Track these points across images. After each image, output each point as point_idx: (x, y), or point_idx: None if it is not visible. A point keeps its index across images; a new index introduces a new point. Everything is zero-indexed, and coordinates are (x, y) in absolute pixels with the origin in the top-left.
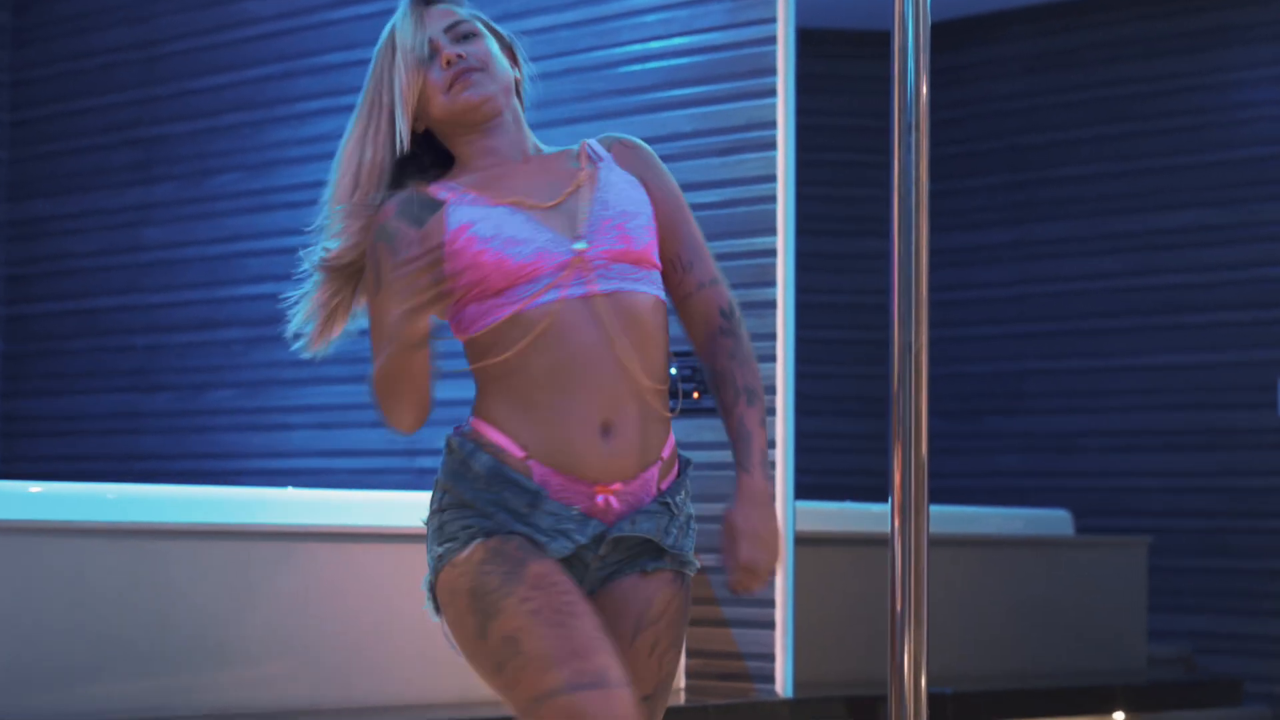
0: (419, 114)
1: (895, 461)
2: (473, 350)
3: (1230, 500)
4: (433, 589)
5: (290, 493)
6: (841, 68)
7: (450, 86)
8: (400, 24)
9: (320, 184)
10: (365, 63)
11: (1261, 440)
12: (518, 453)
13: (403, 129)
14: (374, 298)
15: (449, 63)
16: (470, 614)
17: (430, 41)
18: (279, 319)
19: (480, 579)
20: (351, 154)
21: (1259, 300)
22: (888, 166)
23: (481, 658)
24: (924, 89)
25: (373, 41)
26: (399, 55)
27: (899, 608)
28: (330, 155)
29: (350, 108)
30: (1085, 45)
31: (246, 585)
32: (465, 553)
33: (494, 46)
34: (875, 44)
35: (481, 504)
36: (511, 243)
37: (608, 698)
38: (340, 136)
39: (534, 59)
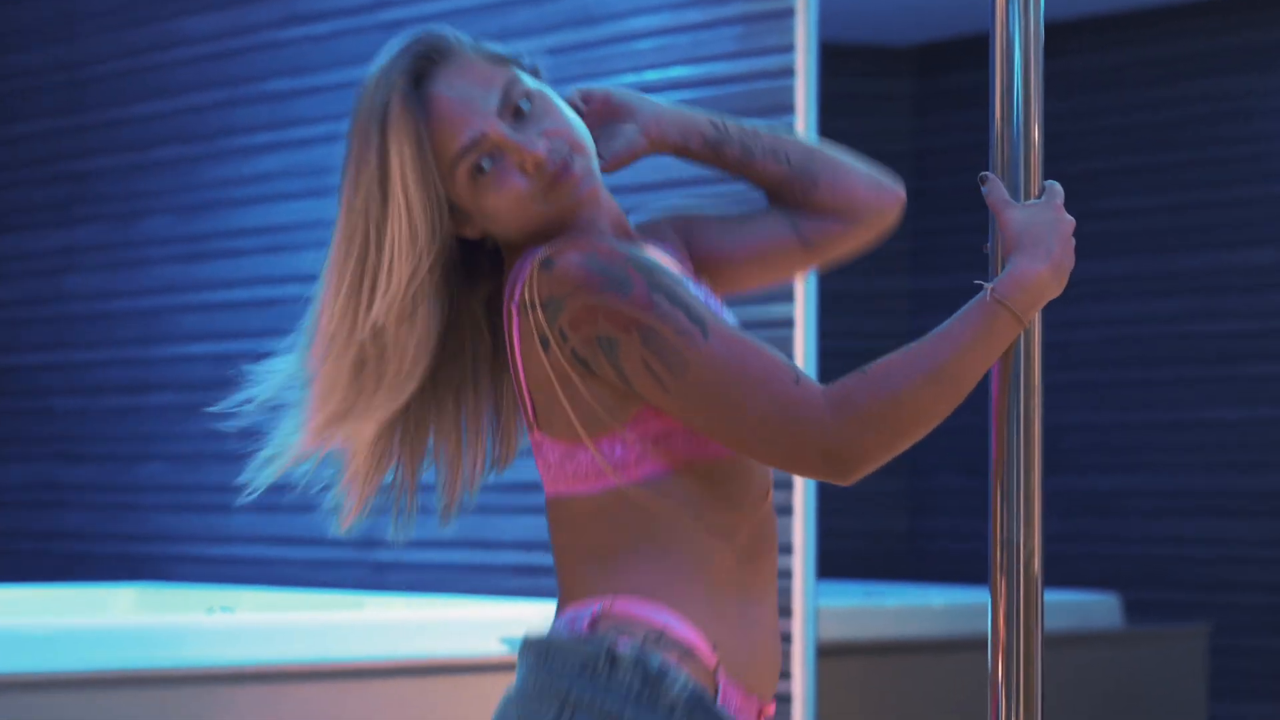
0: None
1: (999, 592)
2: (649, 493)
3: None
4: None
5: (215, 618)
6: (861, 86)
7: (549, 189)
8: (398, 124)
9: (269, 229)
10: (317, 91)
11: None
12: (709, 658)
13: (385, 305)
14: (709, 343)
15: (537, 166)
16: None
17: (483, 139)
18: (219, 383)
19: None
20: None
21: None
22: (914, 195)
23: None
24: (1035, 132)
25: (327, 65)
26: (408, 176)
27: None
28: (278, 196)
29: (301, 143)
30: (1134, 62)
31: None
32: None
33: (551, 93)
34: (896, 60)
35: None
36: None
37: None
38: (287, 175)
39: None
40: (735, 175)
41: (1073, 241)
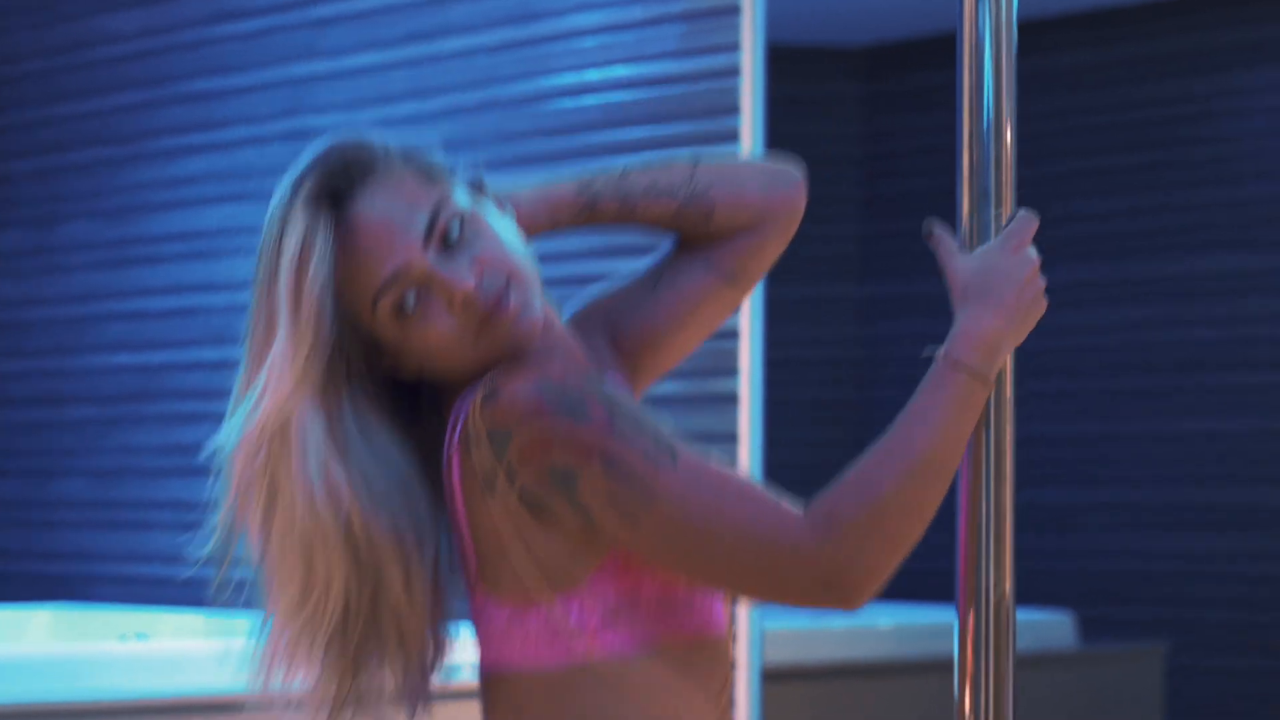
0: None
1: (967, 617)
2: (611, 670)
3: (1258, 589)
4: None
5: (130, 646)
6: (805, 88)
7: (482, 327)
8: (302, 250)
9: (194, 234)
10: (243, 92)
11: None
12: None
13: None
14: (677, 468)
15: (467, 304)
16: None
17: (405, 271)
18: (142, 395)
19: None
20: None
21: None
22: (862, 201)
23: None
24: (1008, 130)
25: (254, 64)
26: (305, 304)
27: None
28: (203, 200)
29: (227, 145)
30: (1093, 65)
31: None
32: None
33: (489, 216)
34: (844, 60)
35: None
36: None
37: None
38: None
39: (447, 89)
40: (624, 227)
41: (1036, 283)
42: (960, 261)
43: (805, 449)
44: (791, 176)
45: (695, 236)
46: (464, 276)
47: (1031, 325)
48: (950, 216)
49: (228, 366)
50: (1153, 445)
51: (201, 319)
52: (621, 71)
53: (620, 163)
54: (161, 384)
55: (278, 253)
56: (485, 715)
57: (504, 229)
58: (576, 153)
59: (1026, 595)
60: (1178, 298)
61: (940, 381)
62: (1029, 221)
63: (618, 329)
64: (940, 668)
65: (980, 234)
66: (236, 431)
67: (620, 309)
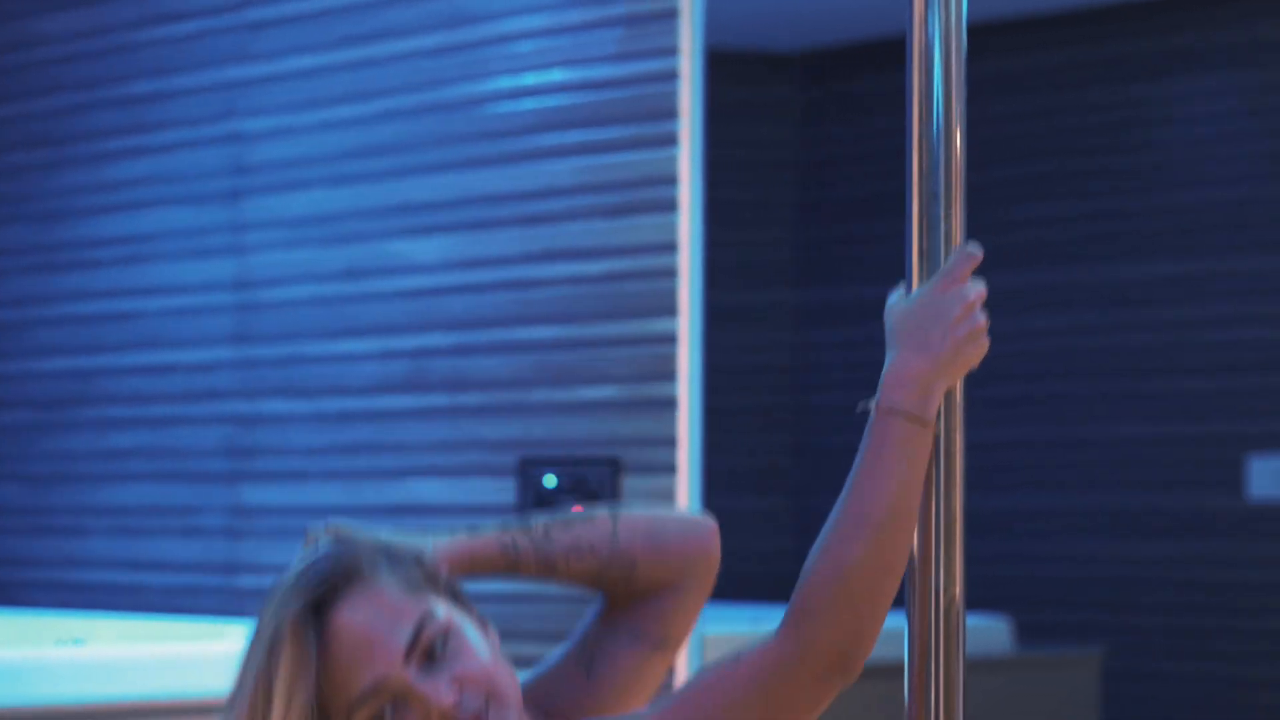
0: None
1: (916, 620)
2: None
3: (1193, 594)
4: None
5: (66, 652)
6: (744, 94)
7: None
8: (288, 660)
9: (128, 238)
10: (178, 95)
11: (1228, 527)
12: None
13: None
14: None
15: (445, 718)
16: None
17: (383, 684)
18: (75, 401)
19: None
20: None
21: (1227, 366)
22: (799, 205)
23: None
24: (957, 140)
25: (189, 67)
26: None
27: None
28: (137, 204)
29: (162, 148)
30: (1034, 71)
31: None
32: None
33: (468, 629)
34: (781, 66)
35: None
36: None
37: None
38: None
39: (384, 93)
40: (546, 582)
41: (971, 320)
42: (894, 303)
43: (743, 454)
44: (706, 526)
45: (618, 595)
46: (443, 694)
47: (966, 362)
48: (887, 222)
49: (162, 370)
50: (1091, 451)
51: (136, 323)
52: (559, 75)
53: (541, 519)
54: (96, 389)
55: (269, 670)
56: None
57: (485, 645)
58: (515, 156)
59: (966, 600)
60: (1118, 303)
61: (880, 433)
62: (967, 258)
63: (556, 716)
64: (890, 672)
65: (929, 237)
66: None
67: (557, 694)
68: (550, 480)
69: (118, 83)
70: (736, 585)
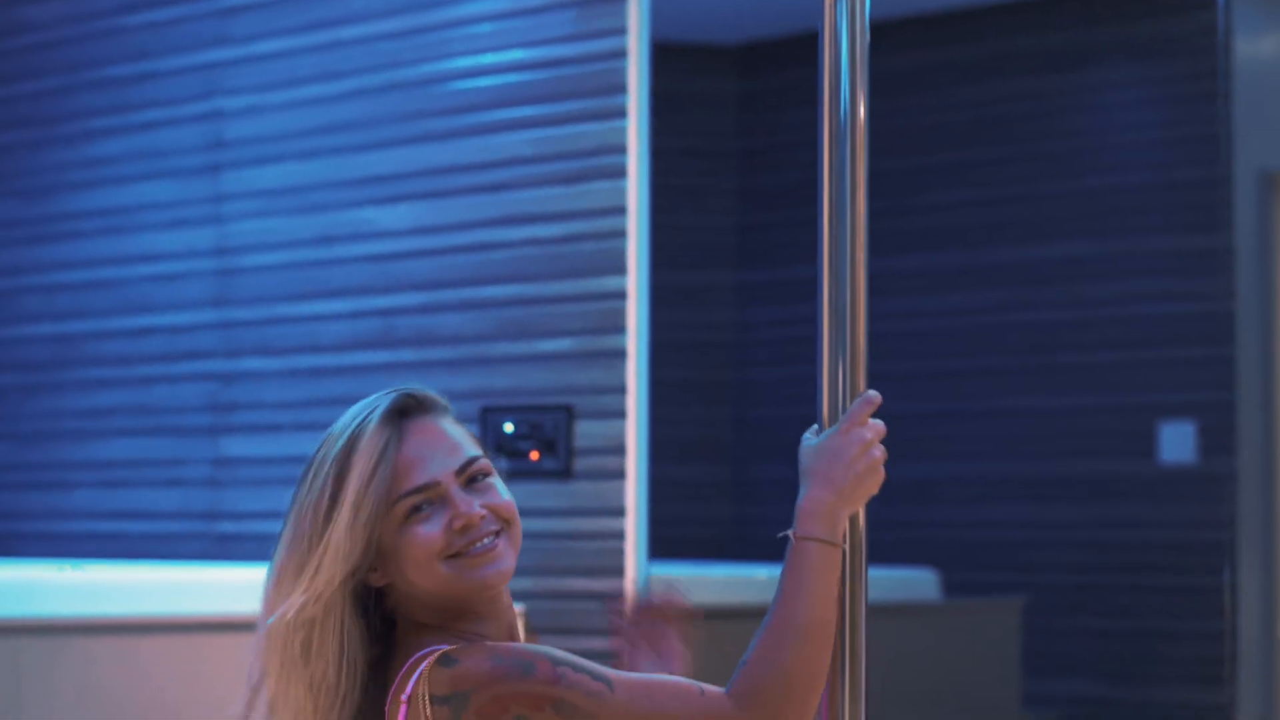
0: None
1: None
2: None
3: (1108, 555)
4: None
5: (66, 573)
6: (684, 85)
7: (460, 555)
8: (364, 451)
9: (110, 211)
10: (156, 76)
11: (1141, 491)
12: None
13: (291, 609)
14: (614, 693)
15: (465, 527)
16: None
17: (434, 485)
18: (60, 363)
19: None
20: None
21: (1139, 340)
22: (738, 192)
23: None
24: (860, 107)
25: (169, 50)
26: (352, 499)
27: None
28: (119, 179)
29: (145, 126)
30: (945, 63)
31: (12, 691)
32: None
33: (499, 481)
34: (719, 58)
35: None
36: None
37: None
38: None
39: (351, 73)
40: None
41: (869, 457)
42: (805, 445)
43: (687, 425)
44: None
45: None
46: (474, 507)
47: (866, 492)
48: (807, 208)
49: (145, 333)
50: (1010, 421)
51: (120, 290)
52: (516, 55)
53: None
54: (82, 351)
55: (351, 453)
56: None
57: (507, 494)
58: (475, 129)
59: (894, 561)
60: (1025, 283)
61: (798, 558)
62: (866, 404)
63: None
64: None
65: (836, 219)
66: (290, 607)
67: None
68: (509, 427)
69: (101, 65)
70: (681, 546)
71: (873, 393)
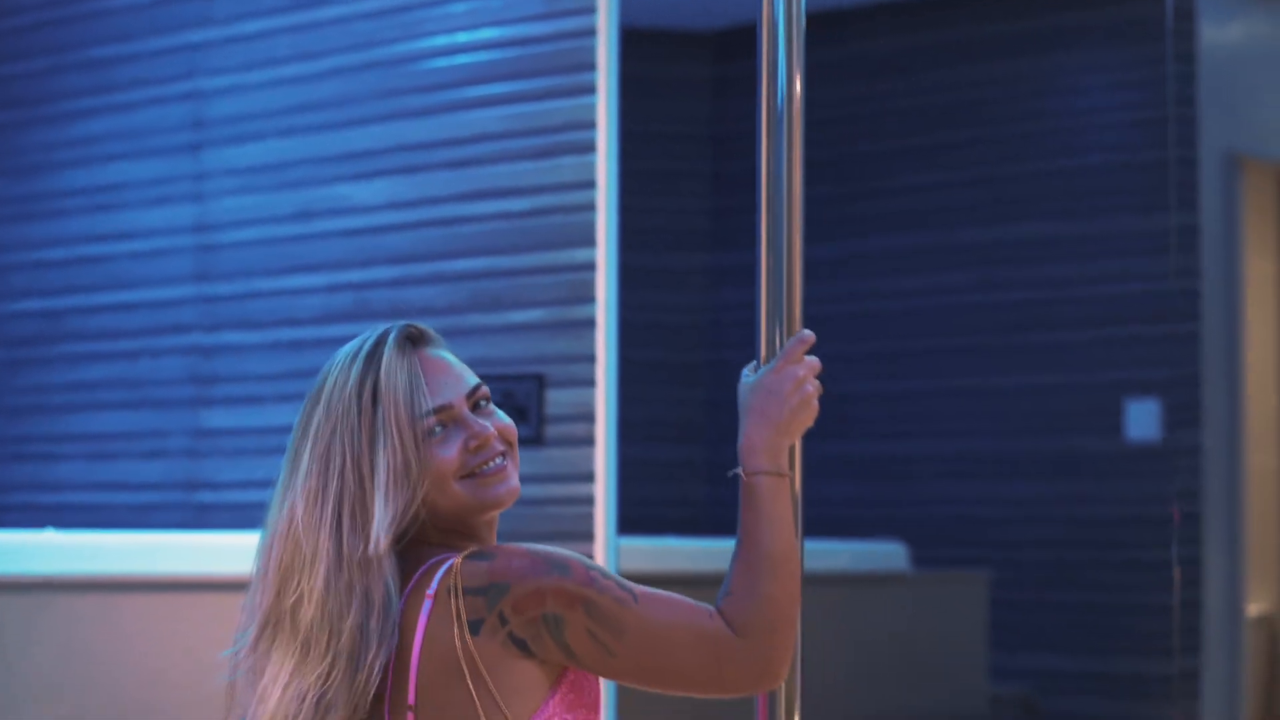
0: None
1: None
2: None
3: (1074, 530)
4: None
5: (49, 536)
6: (658, 70)
7: (475, 474)
8: (391, 372)
9: (95, 189)
10: (139, 57)
11: (1107, 467)
12: None
13: (382, 532)
14: (638, 606)
15: (480, 445)
16: None
17: (449, 407)
18: (47, 338)
19: None
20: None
21: (1105, 318)
22: (712, 176)
23: None
24: (797, 86)
25: (151, 31)
26: (394, 416)
27: None
28: (106, 157)
29: (128, 106)
30: (921, 48)
31: None
32: None
33: (498, 410)
34: (695, 44)
35: None
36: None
37: None
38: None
39: (330, 52)
40: None
41: (802, 392)
42: (743, 382)
43: (660, 406)
44: None
45: None
46: (487, 427)
47: (802, 425)
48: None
49: (129, 308)
50: (978, 399)
51: (104, 266)
52: (489, 33)
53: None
54: (67, 327)
55: (379, 375)
56: None
57: (509, 421)
58: (448, 106)
59: (864, 535)
60: (994, 263)
61: (751, 493)
62: (800, 342)
63: None
64: None
65: (772, 200)
66: (376, 536)
67: None
68: None
69: (86, 47)
70: (655, 525)
71: (806, 331)
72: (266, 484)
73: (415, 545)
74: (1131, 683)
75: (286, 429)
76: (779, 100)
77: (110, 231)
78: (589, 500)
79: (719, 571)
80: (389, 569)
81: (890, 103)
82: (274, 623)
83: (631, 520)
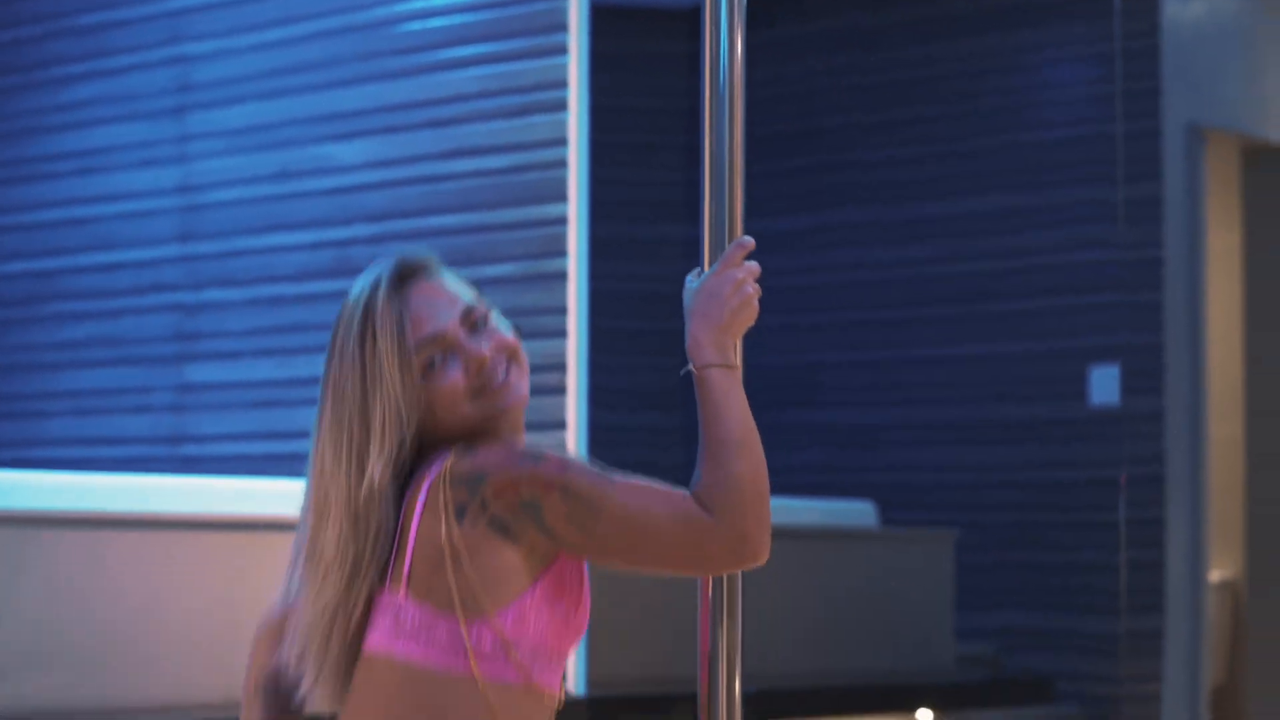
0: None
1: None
2: (494, 693)
3: (1038, 493)
4: None
5: (38, 476)
6: (636, 46)
7: (482, 392)
8: (382, 318)
9: (84, 153)
10: (127, 24)
11: (1070, 432)
12: None
13: (376, 472)
14: (615, 488)
15: (479, 367)
16: None
17: (442, 336)
18: (35, 298)
19: None
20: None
21: (1067, 287)
22: (688, 149)
23: None
24: (739, 63)
25: (136, 0)
26: (386, 364)
27: (710, 602)
28: (93, 121)
29: (115, 71)
30: (887, 25)
31: None
32: None
33: (499, 319)
34: (672, 21)
35: None
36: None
37: None
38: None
39: (311, 16)
40: None
41: (742, 293)
42: (687, 287)
43: (635, 375)
44: None
45: None
46: (483, 348)
47: (743, 324)
48: (765, 163)
49: (114, 268)
50: (945, 368)
51: (91, 228)
52: None
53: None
54: (55, 287)
55: (366, 321)
56: (356, 687)
57: (509, 330)
58: (425, 68)
59: (835, 495)
60: (962, 235)
61: (706, 386)
62: (739, 247)
63: None
64: None
65: (715, 171)
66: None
67: None
68: None
69: (73, 14)
70: None
71: (746, 238)
72: (249, 437)
73: (437, 446)
74: (1098, 639)
75: (268, 383)
76: (721, 77)
77: (97, 194)
78: (561, 447)
79: None
80: (390, 498)
81: (859, 79)
82: (306, 556)
83: None
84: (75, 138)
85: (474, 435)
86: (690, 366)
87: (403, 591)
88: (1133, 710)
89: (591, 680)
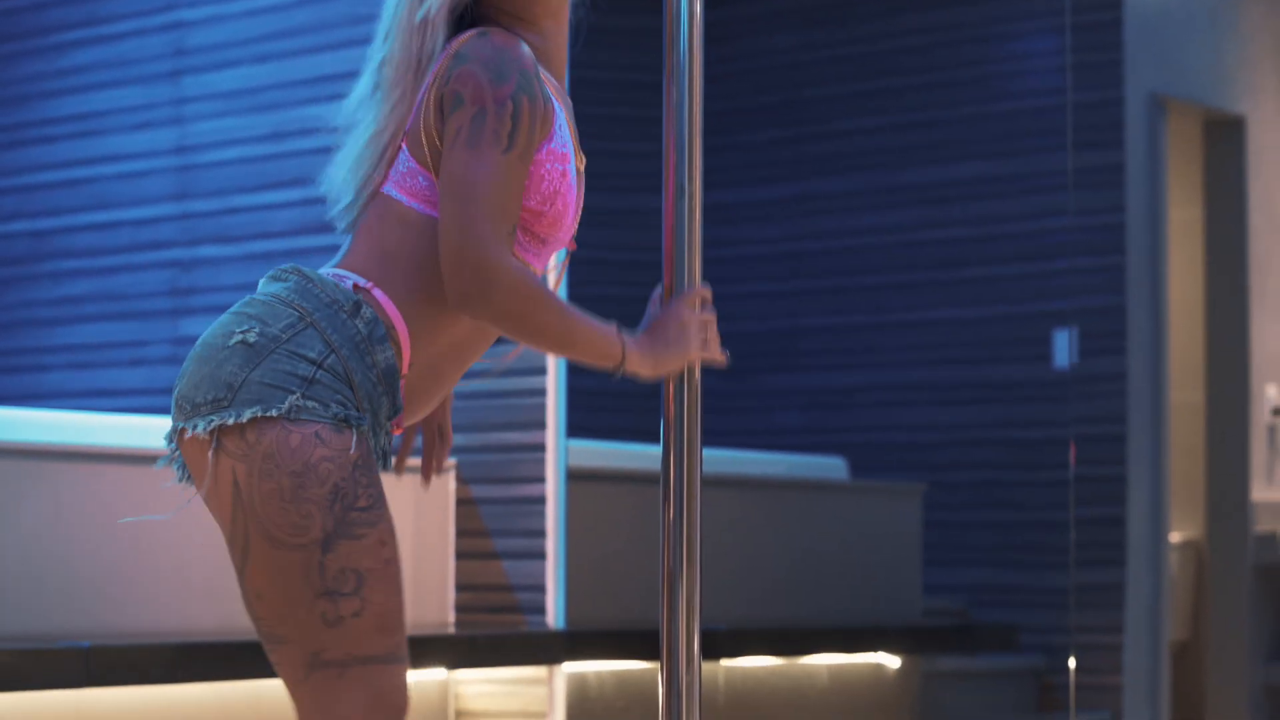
0: None
1: (668, 397)
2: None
3: (1005, 453)
4: (227, 431)
5: (37, 413)
6: (612, 20)
7: None
8: None
9: (82, 116)
10: None
11: (1036, 393)
12: (406, 367)
13: (433, 7)
14: (504, 156)
15: None
16: (320, 512)
17: None
18: (35, 257)
19: (350, 483)
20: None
21: (1034, 253)
22: (660, 120)
23: (302, 570)
24: (698, 33)
25: None
26: None
27: (672, 544)
28: (91, 86)
29: (112, 37)
30: None
31: None
32: (338, 436)
33: None
34: None
35: (365, 395)
36: (575, 216)
37: (406, 676)
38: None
39: None
40: None
41: (684, 339)
42: (654, 308)
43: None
44: None
45: None
46: None
47: (676, 362)
48: (745, 135)
49: (112, 226)
50: (915, 332)
51: (86, 188)
52: None
53: None
54: (54, 245)
55: None
56: (372, 216)
57: None
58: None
59: (809, 452)
60: (935, 202)
61: (604, 341)
62: (695, 292)
63: None
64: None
65: (676, 107)
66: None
67: None
68: None
69: None
70: (604, 433)
71: (704, 285)
72: None
73: (483, 21)
74: (1062, 594)
75: None
76: (680, 47)
77: (95, 155)
78: (541, 391)
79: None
80: (440, 31)
81: (835, 50)
82: (379, 65)
83: (582, 429)
84: (74, 102)
85: (517, 18)
86: (627, 333)
87: (405, 140)
88: (1093, 660)
89: (570, 616)
